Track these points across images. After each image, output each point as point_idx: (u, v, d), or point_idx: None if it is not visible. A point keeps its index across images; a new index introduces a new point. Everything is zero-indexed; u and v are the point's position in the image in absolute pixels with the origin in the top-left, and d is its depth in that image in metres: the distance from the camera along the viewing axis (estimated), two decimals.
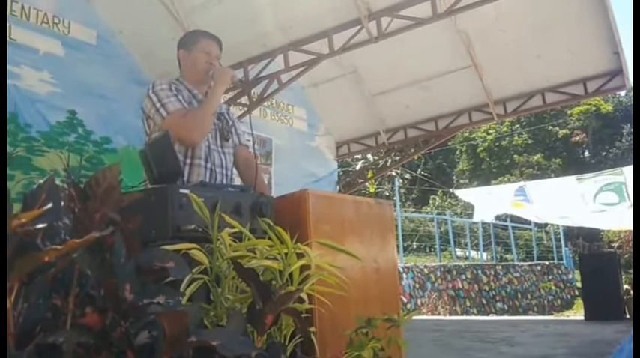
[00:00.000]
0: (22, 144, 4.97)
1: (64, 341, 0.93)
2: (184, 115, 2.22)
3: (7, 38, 4.90)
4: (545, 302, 15.71)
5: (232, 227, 1.62)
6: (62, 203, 1.00)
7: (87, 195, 1.02)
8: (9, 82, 4.83)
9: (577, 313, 12.33)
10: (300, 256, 1.66)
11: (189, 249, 1.52)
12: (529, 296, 15.29)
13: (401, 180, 23.12)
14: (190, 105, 2.32)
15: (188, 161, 2.27)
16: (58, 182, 1.09)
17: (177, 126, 2.17)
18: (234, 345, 0.96)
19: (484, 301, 13.48)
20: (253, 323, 1.35)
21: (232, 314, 1.37)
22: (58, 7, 5.43)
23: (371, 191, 17.27)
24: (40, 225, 0.89)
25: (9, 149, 4.72)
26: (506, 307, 14.09)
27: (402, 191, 22.77)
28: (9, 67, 4.87)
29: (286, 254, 1.62)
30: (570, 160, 25.60)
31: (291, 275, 1.64)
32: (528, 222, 15.95)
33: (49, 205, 0.93)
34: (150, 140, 2.23)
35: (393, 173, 18.89)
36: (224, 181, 2.38)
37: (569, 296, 16.90)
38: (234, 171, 2.55)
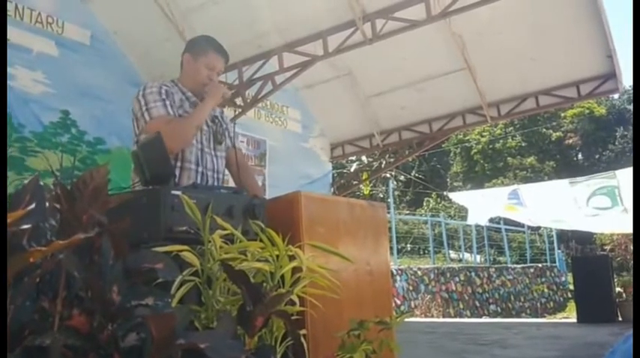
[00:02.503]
0: (15, 144, 4.95)
1: (51, 343, 0.92)
2: (167, 123, 2.21)
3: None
4: (538, 304, 15.75)
5: (224, 229, 1.61)
6: (47, 204, 0.99)
7: (74, 195, 1.01)
8: None
9: (570, 315, 12.35)
10: (291, 258, 1.65)
11: (180, 250, 1.52)
12: (522, 299, 15.32)
13: (395, 182, 23.15)
14: (181, 108, 2.32)
15: (179, 164, 2.27)
16: (49, 183, 1.08)
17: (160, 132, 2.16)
18: (222, 348, 0.96)
19: (477, 303, 13.51)
20: (243, 325, 1.34)
21: (222, 316, 1.36)
22: (52, 7, 5.41)
23: (365, 193, 17.27)
24: (25, 226, 0.88)
25: None
26: (499, 309, 14.12)
27: (396, 193, 22.80)
28: None
29: (278, 256, 1.61)
30: (564, 163, 25.71)
31: (282, 277, 1.63)
32: (521, 225, 15.99)
33: (32, 206, 0.92)
34: (142, 141, 2.22)
35: (388, 175, 18.90)
36: (215, 184, 2.38)
37: (561, 299, 16.95)
38: (228, 173, 2.55)
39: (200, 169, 2.32)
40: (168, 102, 2.28)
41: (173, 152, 2.23)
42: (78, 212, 0.99)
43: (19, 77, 5.04)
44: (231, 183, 2.60)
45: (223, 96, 2.42)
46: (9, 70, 4.93)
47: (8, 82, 4.90)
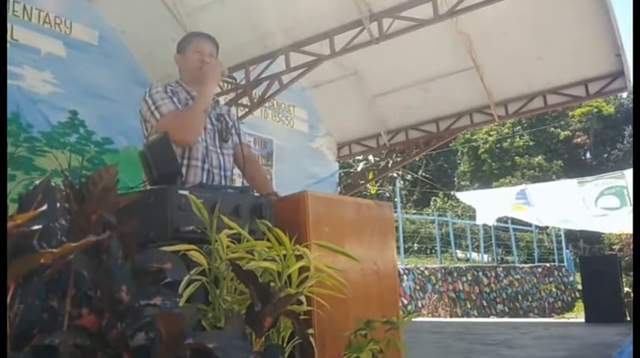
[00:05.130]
0: (23, 144, 4.97)
1: (60, 342, 0.93)
2: (175, 117, 2.25)
3: (10, 38, 4.91)
4: (546, 304, 15.69)
5: (231, 228, 1.61)
6: (58, 204, 1.00)
7: (83, 195, 1.02)
8: (11, 82, 4.84)
9: (578, 315, 12.30)
10: (299, 258, 1.66)
11: (188, 250, 1.52)
12: (530, 299, 15.27)
13: (402, 182, 23.11)
14: (186, 106, 2.34)
15: (185, 162, 2.29)
16: (58, 183, 1.09)
17: (170, 127, 2.20)
18: (230, 348, 0.96)
19: (485, 303, 13.47)
20: (252, 325, 1.35)
21: (231, 316, 1.36)
22: (60, 7, 5.43)
23: (372, 192, 17.27)
24: (36, 227, 0.89)
25: (11, 149, 4.72)
26: (506, 309, 14.07)
27: (403, 192, 22.77)
28: (11, 68, 4.88)
29: (285, 255, 1.62)
30: (572, 162, 25.57)
31: (289, 276, 1.63)
32: (529, 224, 15.94)
33: (44, 207, 0.93)
34: (149, 141, 2.25)
35: (394, 174, 18.88)
36: (222, 182, 2.39)
37: (569, 299, 16.87)
38: (236, 171, 2.56)
39: (206, 166, 2.33)
40: (175, 99, 2.31)
41: (187, 143, 2.27)
42: (87, 212, 1.00)
43: (27, 77, 5.06)
44: (239, 182, 2.61)
45: (222, 74, 2.44)
46: (17, 70, 4.96)
47: (17, 82, 4.93)
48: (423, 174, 25.22)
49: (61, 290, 1.00)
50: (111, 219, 1.03)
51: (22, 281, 0.92)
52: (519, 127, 25.94)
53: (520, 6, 5.92)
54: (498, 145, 25.84)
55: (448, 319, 10.74)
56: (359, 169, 15.32)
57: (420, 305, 11.36)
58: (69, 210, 1.02)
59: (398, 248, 11.86)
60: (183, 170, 2.27)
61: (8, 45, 4.89)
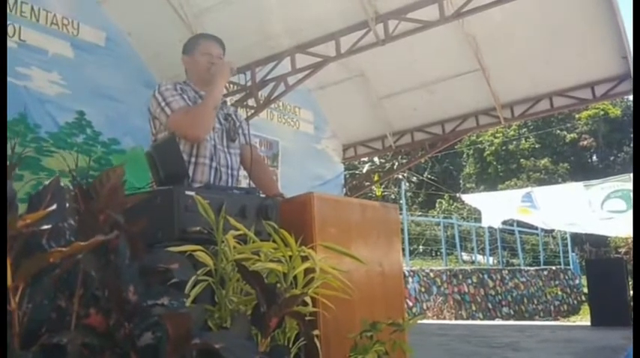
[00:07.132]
0: (31, 144, 4.99)
1: (68, 341, 0.94)
2: (187, 112, 2.27)
3: (17, 39, 4.95)
4: (552, 307, 15.63)
5: (237, 229, 1.62)
6: (67, 204, 1.01)
7: (91, 196, 1.03)
8: (19, 83, 4.87)
9: (583, 319, 12.24)
10: (304, 259, 1.66)
11: (194, 250, 1.53)
12: (535, 302, 15.21)
13: (407, 184, 23.07)
14: (195, 104, 2.36)
15: (193, 159, 2.30)
16: (66, 183, 1.09)
17: (181, 123, 2.24)
18: (237, 349, 0.96)
19: (490, 306, 13.43)
20: (258, 325, 1.35)
21: (237, 316, 1.37)
22: (68, 8, 5.46)
23: (377, 194, 17.24)
24: (45, 226, 0.89)
25: (18, 150, 4.75)
26: (512, 312, 14.02)
27: (409, 194, 22.73)
28: (19, 69, 4.91)
29: (291, 257, 1.62)
30: (578, 165, 25.48)
31: (295, 278, 1.64)
32: (535, 227, 15.89)
33: (54, 206, 0.93)
34: (156, 142, 2.27)
35: (400, 176, 18.85)
36: (229, 181, 2.40)
37: (575, 302, 16.80)
38: (242, 172, 2.57)
39: (214, 165, 2.35)
40: (185, 96, 2.34)
41: (198, 139, 2.29)
42: (95, 212, 1.01)
43: (35, 78, 5.09)
44: (245, 182, 2.62)
45: (232, 71, 2.46)
46: (25, 71, 4.99)
47: (24, 83, 4.96)
48: (429, 176, 25.18)
49: (69, 290, 1.00)
50: (119, 219, 1.04)
51: (31, 281, 0.93)
52: (525, 130, 25.88)
53: (526, 8, 5.90)
54: (504, 148, 25.78)
55: (453, 321, 10.71)
56: (364, 171, 15.31)
57: (425, 307, 11.34)
58: (77, 210, 1.03)
59: (403, 250, 11.82)
60: (191, 167, 2.28)
61: (16, 46, 4.93)
